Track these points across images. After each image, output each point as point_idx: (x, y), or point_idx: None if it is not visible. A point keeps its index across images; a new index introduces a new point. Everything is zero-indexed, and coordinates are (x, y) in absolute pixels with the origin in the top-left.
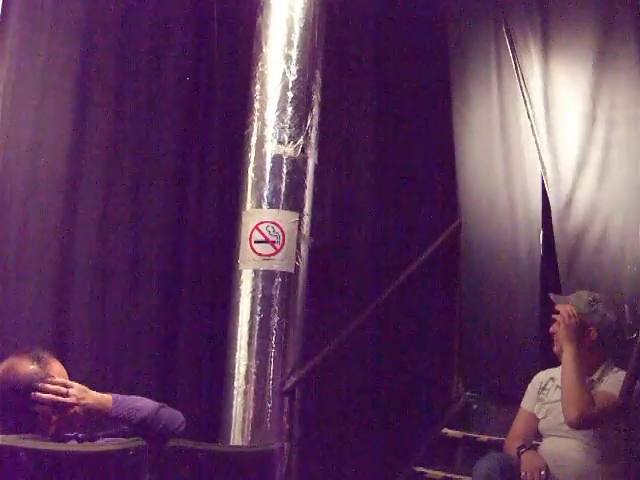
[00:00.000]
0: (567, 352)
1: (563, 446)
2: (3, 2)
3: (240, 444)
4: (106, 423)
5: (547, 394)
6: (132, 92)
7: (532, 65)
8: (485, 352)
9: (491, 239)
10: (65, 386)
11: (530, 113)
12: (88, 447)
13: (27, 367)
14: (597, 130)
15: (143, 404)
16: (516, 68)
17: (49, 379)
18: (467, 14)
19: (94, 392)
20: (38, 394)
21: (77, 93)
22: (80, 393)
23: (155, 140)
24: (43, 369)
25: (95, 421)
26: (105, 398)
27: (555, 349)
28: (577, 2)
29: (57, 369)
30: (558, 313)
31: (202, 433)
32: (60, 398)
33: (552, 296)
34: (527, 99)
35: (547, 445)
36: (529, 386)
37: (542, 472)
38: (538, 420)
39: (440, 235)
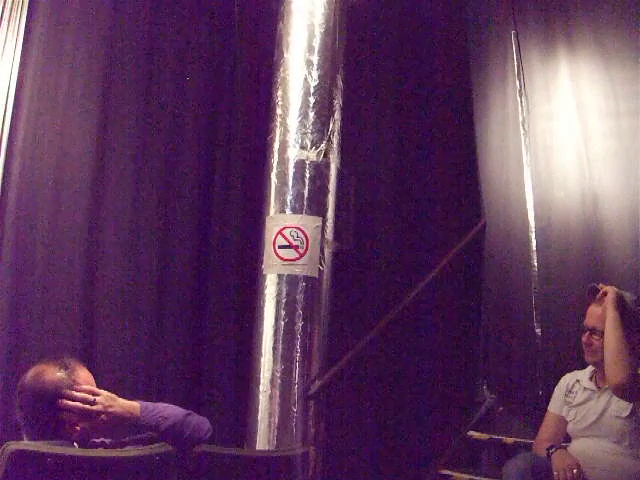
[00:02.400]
0: (611, 318)
1: (594, 447)
2: (28, 16)
3: (266, 448)
4: (134, 430)
5: (574, 397)
6: (156, 100)
7: (549, 67)
8: (509, 354)
9: (514, 240)
10: (92, 394)
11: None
12: (115, 453)
13: (54, 374)
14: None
15: (170, 412)
16: (519, 73)
17: (76, 387)
18: (486, 17)
19: (122, 400)
20: (65, 401)
21: (102, 101)
22: (107, 401)
23: (179, 148)
24: (70, 376)
25: (123, 428)
26: (133, 406)
27: (587, 358)
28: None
29: (84, 376)
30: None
31: (228, 437)
32: (87, 406)
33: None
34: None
35: (577, 447)
36: (555, 389)
37: (575, 470)
38: (566, 423)
39: (464, 237)
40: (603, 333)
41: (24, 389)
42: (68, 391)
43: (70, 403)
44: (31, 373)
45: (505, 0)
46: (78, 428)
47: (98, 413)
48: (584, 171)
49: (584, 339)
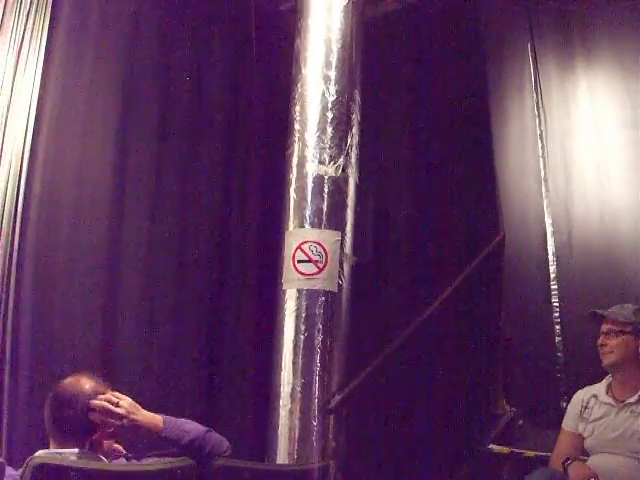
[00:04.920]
0: None
1: (613, 462)
2: (48, 35)
3: (286, 462)
4: (155, 443)
5: (591, 412)
6: (174, 116)
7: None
8: (530, 367)
9: (533, 253)
10: (117, 398)
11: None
12: (136, 466)
13: (90, 382)
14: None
15: (192, 427)
16: (536, 86)
17: (102, 395)
18: (502, 30)
19: (145, 411)
20: (94, 401)
21: (120, 117)
22: (130, 408)
23: (197, 164)
24: (102, 385)
25: (145, 440)
26: (156, 418)
27: (604, 361)
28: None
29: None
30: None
31: (248, 452)
32: (110, 406)
33: (596, 311)
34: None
35: (596, 462)
36: (569, 407)
37: None
38: (582, 439)
39: (483, 249)
40: (619, 332)
41: (59, 394)
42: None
43: (95, 402)
44: (68, 380)
45: (522, 13)
46: (103, 434)
47: (120, 416)
48: (603, 184)
49: (599, 342)
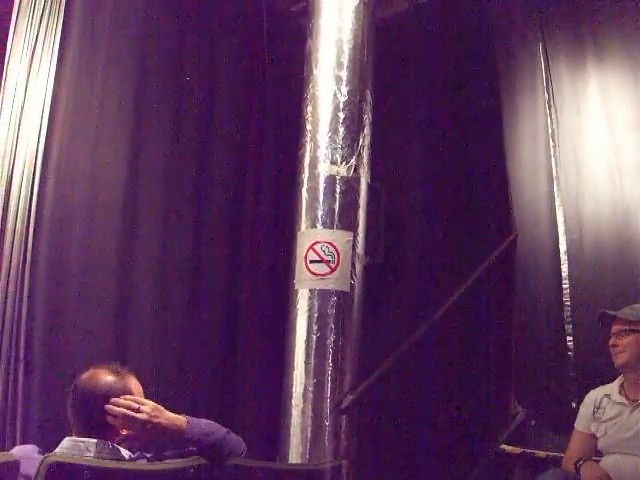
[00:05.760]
0: None
1: (627, 462)
2: (62, 37)
3: (298, 462)
4: (177, 444)
5: (603, 412)
6: (186, 118)
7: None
8: (541, 367)
9: (545, 253)
10: (138, 403)
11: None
12: (150, 466)
13: (107, 377)
14: None
15: (214, 428)
16: (547, 85)
17: (124, 396)
18: (514, 28)
19: (169, 412)
20: (110, 407)
21: (133, 119)
22: (153, 411)
23: (210, 164)
24: (121, 382)
25: (166, 441)
26: (180, 419)
27: (616, 362)
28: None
29: (135, 385)
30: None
31: (260, 451)
32: (131, 413)
33: (606, 312)
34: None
35: (609, 463)
36: (581, 407)
37: None
38: (595, 439)
39: (495, 249)
40: (629, 331)
41: (77, 388)
42: (115, 398)
43: (115, 409)
44: (86, 374)
45: (533, 11)
46: (124, 433)
47: (142, 422)
48: (615, 183)
49: (610, 342)
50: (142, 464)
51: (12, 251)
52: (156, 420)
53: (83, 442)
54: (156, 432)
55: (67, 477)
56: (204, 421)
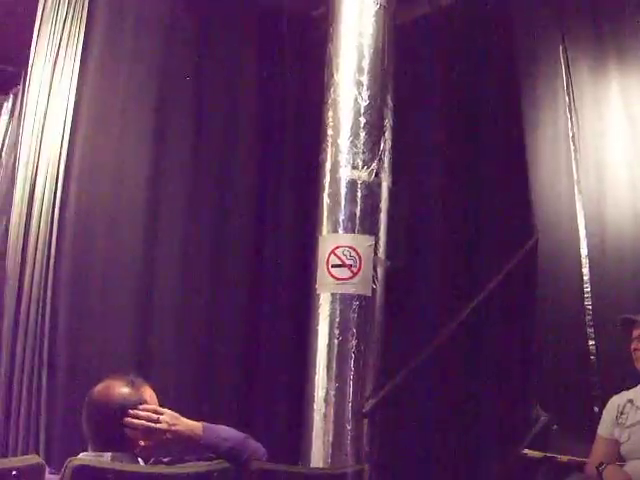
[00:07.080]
0: None
1: None
2: (84, 43)
3: (320, 466)
4: (194, 450)
5: (627, 417)
6: (207, 125)
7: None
8: (563, 372)
9: (567, 257)
10: (157, 413)
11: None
12: (173, 469)
13: (121, 389)
14: None
15: (231, 434)
16: (568, 88)
17: (142, 406)
18: (534, 31)
19: (185, 419)
20: (129, 420)
21: (155, 126)
22: (172, 420)
23: (231, 170)
24: (136, 392)
25: (184, 447)
26: (196, 426)
27: (638, 366)
28: None
29: (150, 395)
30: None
31: (283, 455)
32: (151, 424)
33: (628, 317)
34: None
35: (632, 468)
36: (604, 412)
37: None
38: (618, 445)
39: (517, 253)
40: None
41: (92, 402)
42: (134, 411)
43: (135, 421)
44: (99, 387)
45: (554, 14)
46: (142, 444)
47: (162, 432)
48: (636, 186)
49: (632, 347)
50: (167, 467)
51: (35, 255)
52: (175, 428)
53: (101, 457)
54: (175, 439)
55: None
56: (221, 427)
